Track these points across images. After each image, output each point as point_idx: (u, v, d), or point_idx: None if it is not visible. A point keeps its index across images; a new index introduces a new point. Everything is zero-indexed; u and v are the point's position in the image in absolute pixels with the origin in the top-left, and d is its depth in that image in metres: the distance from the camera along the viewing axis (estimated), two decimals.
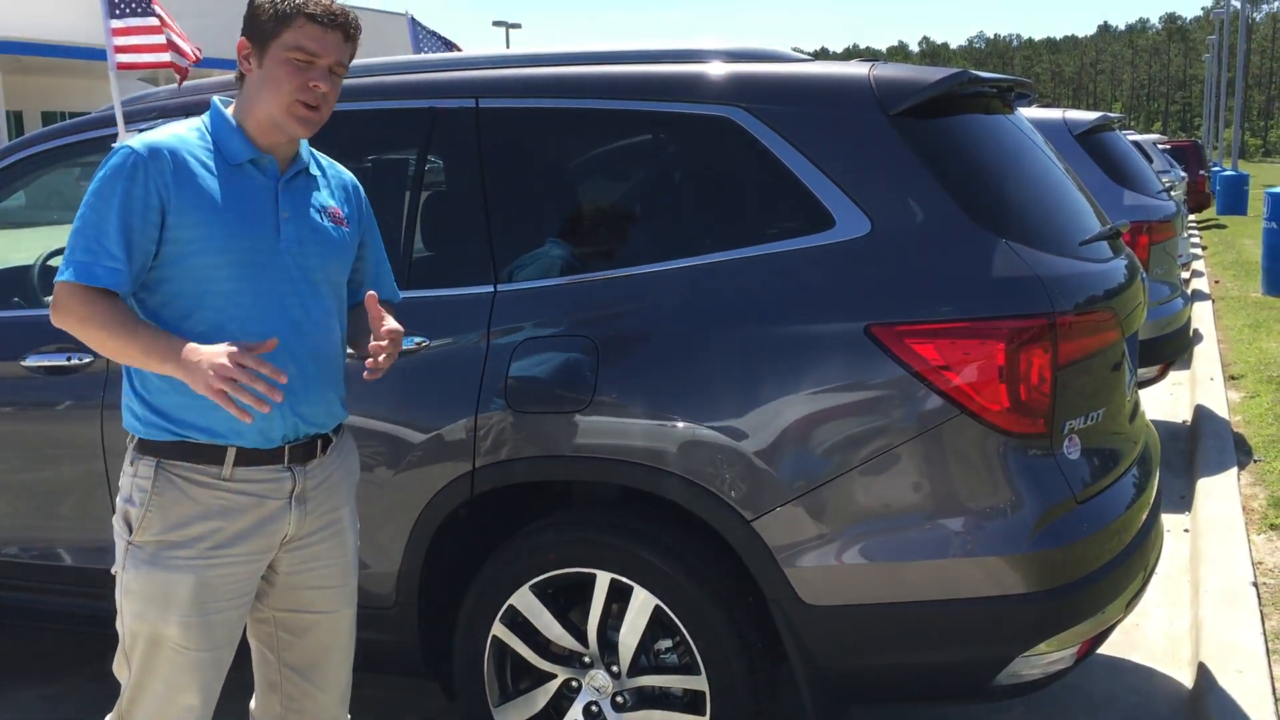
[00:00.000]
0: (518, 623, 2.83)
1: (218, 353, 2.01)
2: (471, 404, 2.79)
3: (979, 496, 2.49)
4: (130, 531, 2.19)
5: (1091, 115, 6.50)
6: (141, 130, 3.36)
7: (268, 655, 2.42)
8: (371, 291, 2.27)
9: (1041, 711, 3.46)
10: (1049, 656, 2.57)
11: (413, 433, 2.86)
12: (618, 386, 2.68)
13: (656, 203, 2.95)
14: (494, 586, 2.82)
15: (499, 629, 2.84)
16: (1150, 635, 4.00)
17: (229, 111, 2.25)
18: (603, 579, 2.73)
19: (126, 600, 2.21)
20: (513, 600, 2.81)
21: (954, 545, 2.49)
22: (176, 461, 2.18)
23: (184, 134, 2.19)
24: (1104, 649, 3.78)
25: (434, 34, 5.57)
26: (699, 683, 2.67)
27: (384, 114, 3.15)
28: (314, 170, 2.33)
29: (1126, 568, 2.69)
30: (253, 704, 2.50)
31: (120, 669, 2.27)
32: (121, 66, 3.44)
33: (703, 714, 2.68)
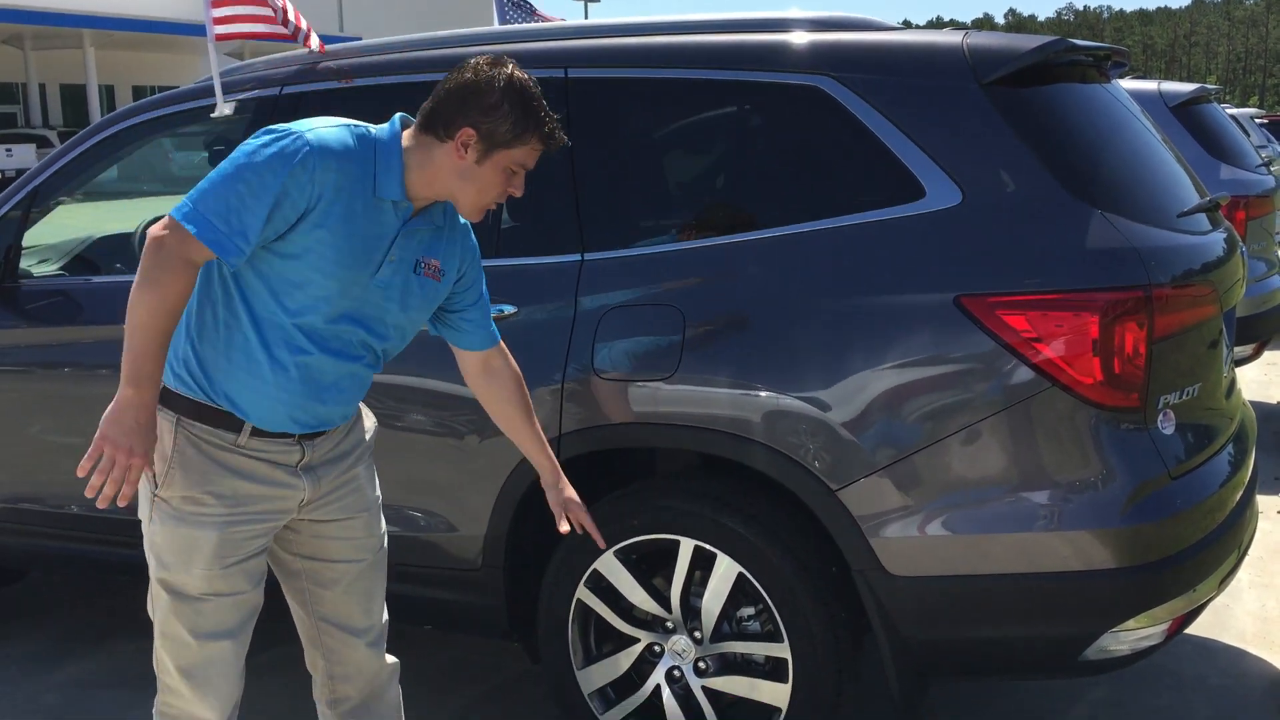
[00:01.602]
0: (602, 587, 2.87)
1: (141, 446, 2.04)
2: (558, 371, 2.82)
3: (1069, 470, 2.46)
4: (156, 485, 2.23)
5: (1188, 87, 6.33)
6: (239, 99, 3.45)
7: (303, 613, 2.49)
8: (562, 502, 2.58)
9: (1128, 689, 3.42)
10: (1138, 633, 2.54)
11: None
12: (704, 355, 2.69)
13: (744, 172, 2.95)
14: (579, 551, 2.86)
15: (583, 593, 2.88)
16: (1241, 617, 3.92)
17: (404, 141, 2.20)
18: (686, 546, 2.75)
19: (151, 551, 2.27)
20: (597, 565, 2.84)
21: (1042, 519, 2.47)
22: (194, 422, 2.21)
23: (354, 145, 2.15)
24: (1194, 630, 3.72)
25: (522, 2, 5.60)
26: (781, 650, 2.69)
27: None
28: (440, 222, 2.31)
29: (1220, 545, 2.65)
30: (306, 661, 2.58)
31: (151, 612, 2.34)
32: (219, 38, 3.52)
33: (785, 681, 2.70)
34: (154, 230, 2.08)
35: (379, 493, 2.52)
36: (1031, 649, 2.60)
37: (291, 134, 2.10)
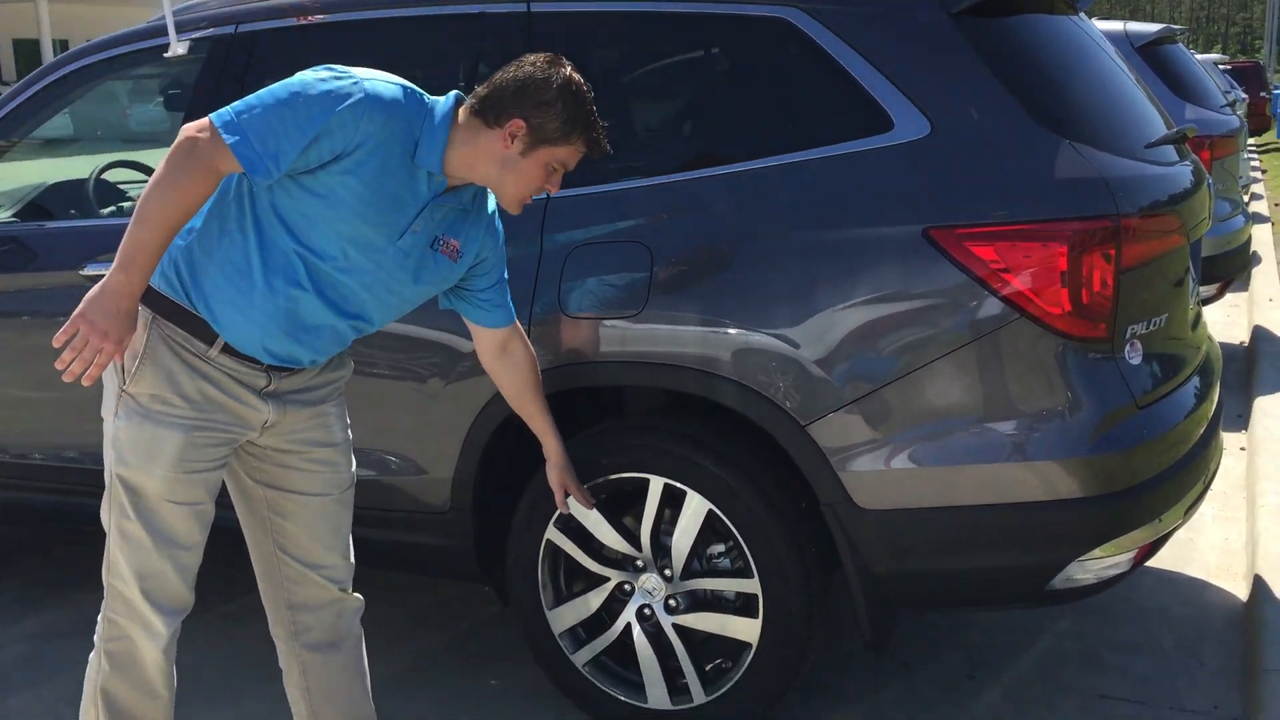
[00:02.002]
0: (571, 527, 2.86)
1: (116, 331, 2.03)
2: (525, 311, 2.79)
3: (1037, 401, 2.46)
4: (125, 380, 2.22)
5: (1154, 27, 6.32)
6: (192, 39, 3.36)
7: (261, 539, 2.47)
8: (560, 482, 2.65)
9: (1092, 621, 3.46)
10: (1104, 562, 2.56)
11: (465, 340, 2.86)
12: (672, 292, 2.66)
13: (710, 107, 2.91)
14: (547, 491, 2.84)
15: (553, 533, 2.87)
16: (1204, 550, 3.97)
17: (458, 117, 2.22)
18: (656, 484, 2.74)
19: (115, 447, 2.25)
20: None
21: (1010, 450, 2.47)
22: (170, 324, 2.22)
23: (406, 105, 2.16)
24: (1158, 563, 3.78)
25: None
26: (751, 586, 2.69)
27: (434, 20, 3.11)
28: (468, 205, 2.33)
29: (1185, 475, 2.66)
30: (261, 595, 2.55)
31: (105, 516, 2.30)
32: None
33: (755, 617, 2.70)
34: (189, 128, 2.09)
35: (350, 433, 2.50)
36: (999, 579, 2.61)
37: (350, 77, 2.13)
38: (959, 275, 2.45)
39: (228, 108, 2.11)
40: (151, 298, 2.22)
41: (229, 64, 3.26)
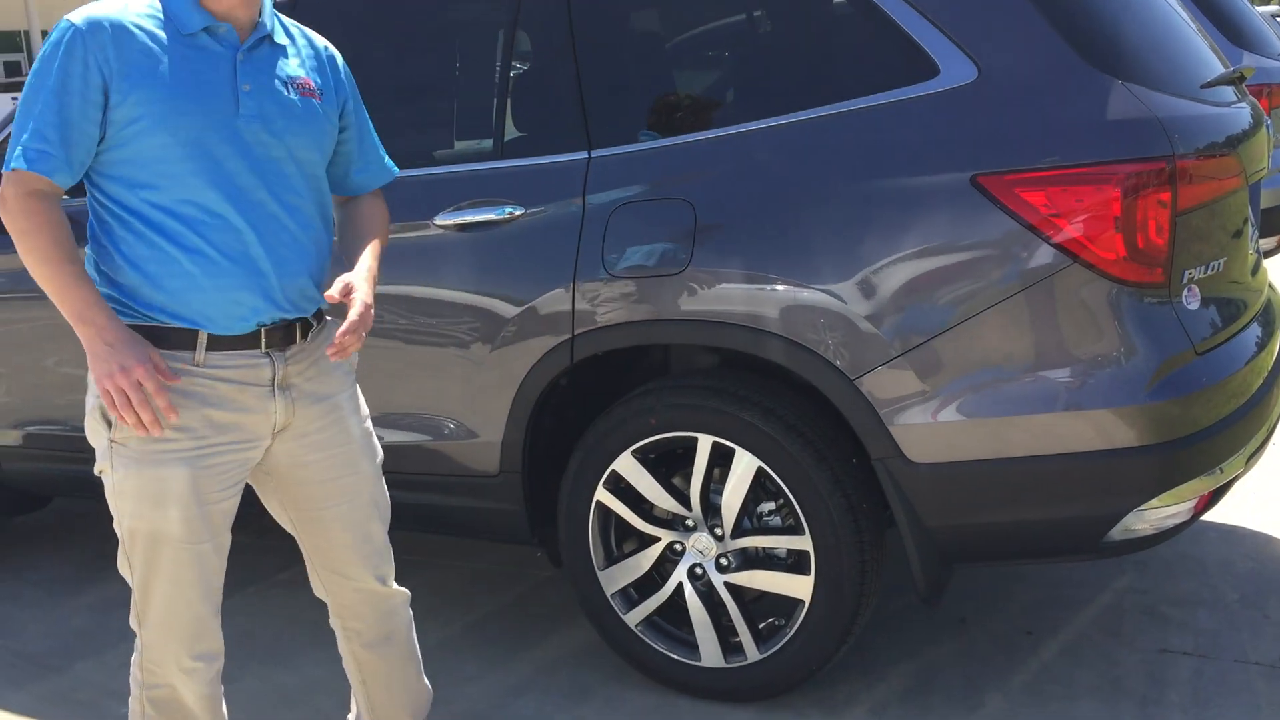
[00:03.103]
0: (621, 488, 2.85)
1: (131, 357, 1.91)
2: (568, 272, 2.77)
3: (1092, 349, 2.41)
4: (110, 428, 2.03)
5: None
6: None
7: (302, 551, 2.34)
8: (344, 280, 2.06)
9: (1153, 576, 3.41)
10: (1164, 511, 2.51)
11: (509, 305, 2.86)
12: (716, 248, 2.64)
13: (751, 59, 2.87)
14: (597, 453, 2.84)
15: (602, 494, 2.86)
16: (1268, 502, 3.89)
17: None
18: (704, 442, 2.72)
19: (120, 501, 2.07)
20: (615, 466, 2.82)
21: (1065, 399, 2.43)
22: None
23: (130, 3, 1.99)
24: (1219, 515, 3.70)
25: None
26: (803, 543, 2.67)
27: None
28: (281, 38, 2.11)
29: (1247, 422, 2.60)
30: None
31: (124, 569, 2.15)
32: None
33: (807, 574, 2.68)
34: None
35: (368, 424, 2.30)
36: (1055, 532, 2.57)
37: (58, 27, 1.96)
38: (1009, 222, 2.40)
39: None
40: None
41: None
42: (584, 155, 2.83)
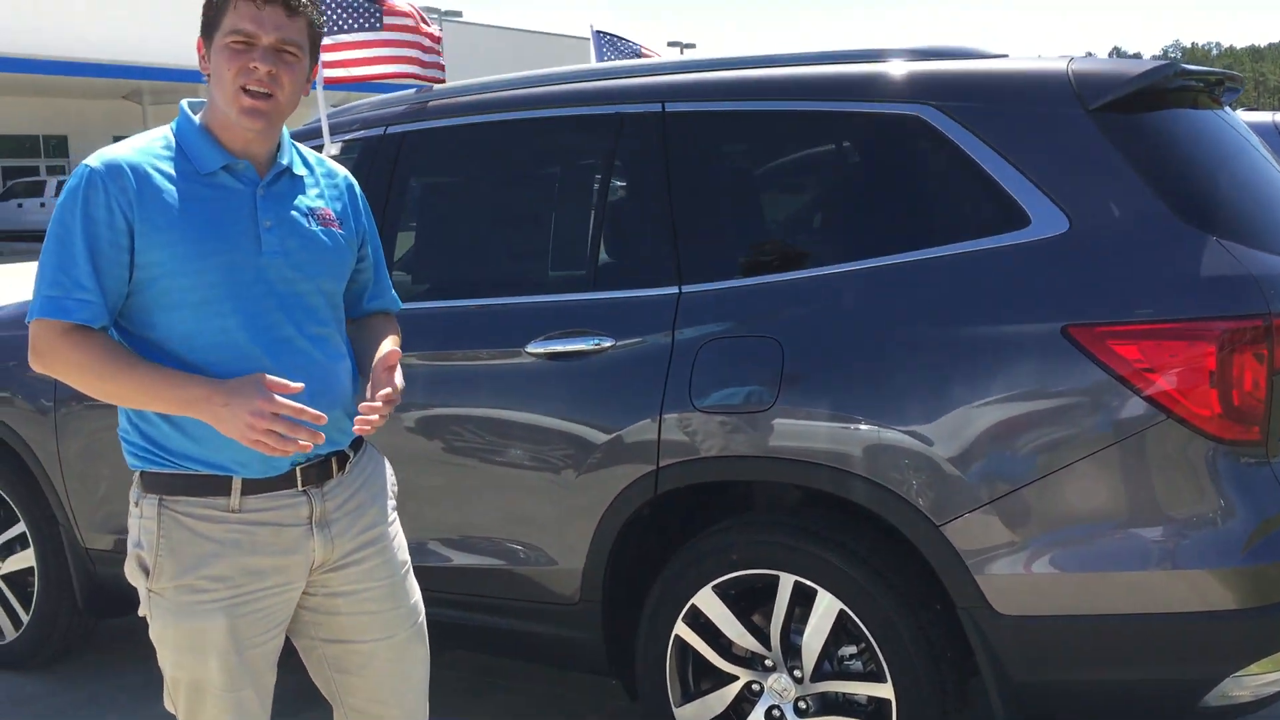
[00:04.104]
0: (700, 623, 2.84)
1: (250, 398, 1.85)
2: (656, 404, 2.81)
3: (1186, 506, 2.37)
4: (146, 577, 2.02)
5: None
6: (345, 140, 3.54)
7: (323, 685, 2.22)
8: (381, 353, 2.08)
9: None
10: (1263, 678, 2.42)
11: (597, 432, 2.90)
12: (803, 387, 2.66)
13: (844, 203, 2.92)
14: (677, 586, 2.83)
15: (681, 629, 2.85)
16: None
17: (198, 117, 2.04)
18: (786, 581, 2.70)
19: (162, 648, 2.05)
20: (695, 600, 2.81)
21: (1158, 557, 2.38)
22: (179, 497, 1.99)
23: (147, 145, 2.00)
24: None
25: (620, 40, 5.67)
26: (884, 690, 2.62)
27: (572, 120, 3.22)
28: (299, 169, 2.10)
29: None
30: None
31: (170, 705, 2.13)
32: (329, 80, 3.62)
33: None
34: (29, 350, 1.96)
35: (407, 555, 2.23)
36: (1148, 693, 2.49)
37: (77, 172, 1.96)
38: (1100, 374, 2.39)
39: None
40: (147, 481, 2.03)
41: (377, 163, 3.41)
42: (675, 290, 2.88)
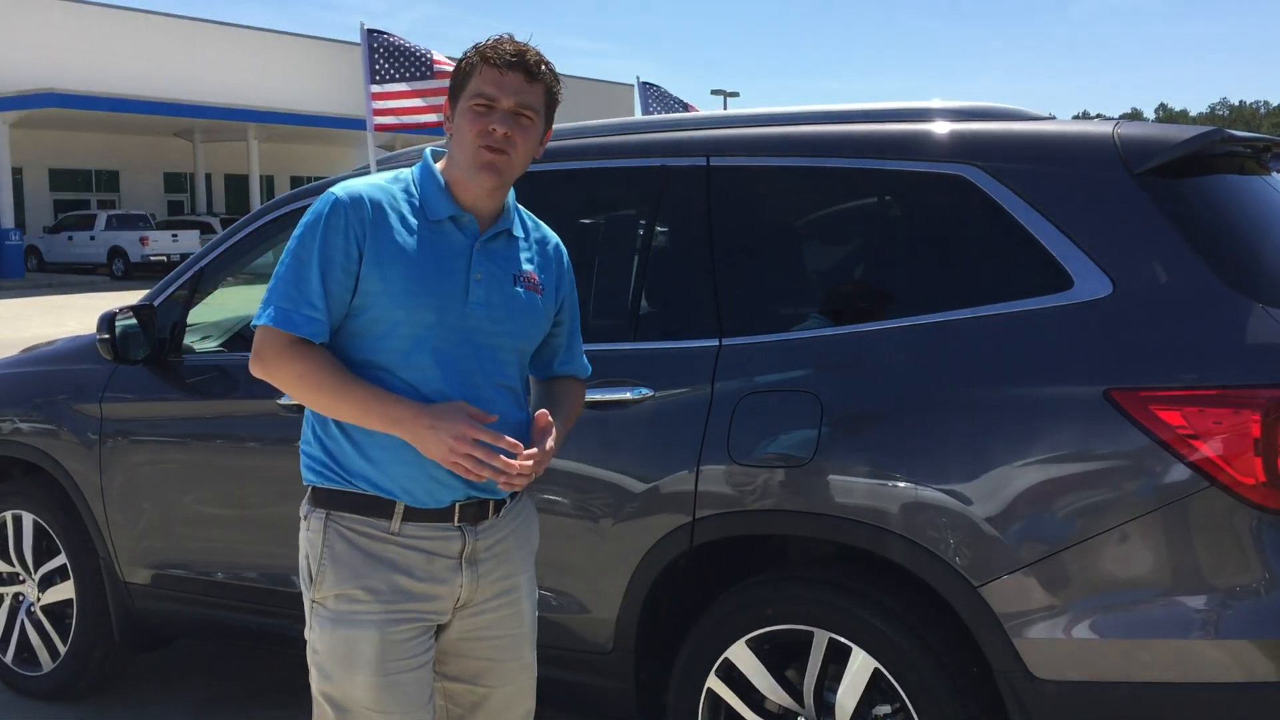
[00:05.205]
0: (733, 677, 2.82)
1: (455, 423, 2.01)
2: (694, 456, 2.82)
3: (1229, 575, 2.34)
4: (311, 586, 2.16)
5: None
6: None
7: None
8: (543, 412, 2.19)
9: None
10: None
11: (635, 482, 2.91)
12: (841, 443, 2.66)
13: (886, 260, 2.93)
14: (710, 639, 2.82)
15: (714, 682, 2.84)
16: None
17: (438, 167, 2.22)
18: (820, 638, 2.69)
19: (313, 663, 2.17)
20: (729, 654, 2.80)
21: (1199, 626, 2.34)
22: (344, 513, 2.13)
23: (388, 184, 2.16)
24: None
25: (665, 94, 5.73)
26: None
27: (617, 172, 3.26)
28: (517, 231, 2.26)
29: None
30: None
31: None
32: (379, 128, 3.69)
33: None
34: (252, 352, 2.13)
35: (536, 610, 2.37)
36: None
37: (324, 195, 2.13)
38: (1142, 439, 2.37)
39: None
40: (317, 496, 2.17)
41: None
42: (715, 343, 2.90)
